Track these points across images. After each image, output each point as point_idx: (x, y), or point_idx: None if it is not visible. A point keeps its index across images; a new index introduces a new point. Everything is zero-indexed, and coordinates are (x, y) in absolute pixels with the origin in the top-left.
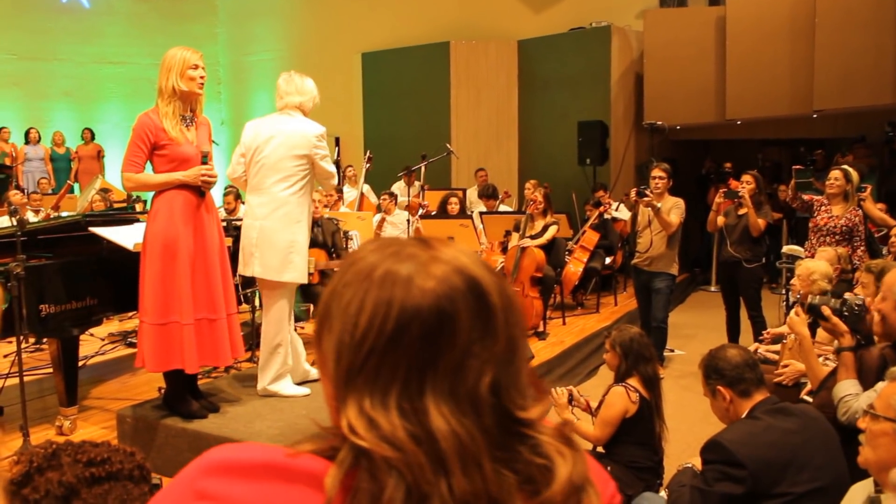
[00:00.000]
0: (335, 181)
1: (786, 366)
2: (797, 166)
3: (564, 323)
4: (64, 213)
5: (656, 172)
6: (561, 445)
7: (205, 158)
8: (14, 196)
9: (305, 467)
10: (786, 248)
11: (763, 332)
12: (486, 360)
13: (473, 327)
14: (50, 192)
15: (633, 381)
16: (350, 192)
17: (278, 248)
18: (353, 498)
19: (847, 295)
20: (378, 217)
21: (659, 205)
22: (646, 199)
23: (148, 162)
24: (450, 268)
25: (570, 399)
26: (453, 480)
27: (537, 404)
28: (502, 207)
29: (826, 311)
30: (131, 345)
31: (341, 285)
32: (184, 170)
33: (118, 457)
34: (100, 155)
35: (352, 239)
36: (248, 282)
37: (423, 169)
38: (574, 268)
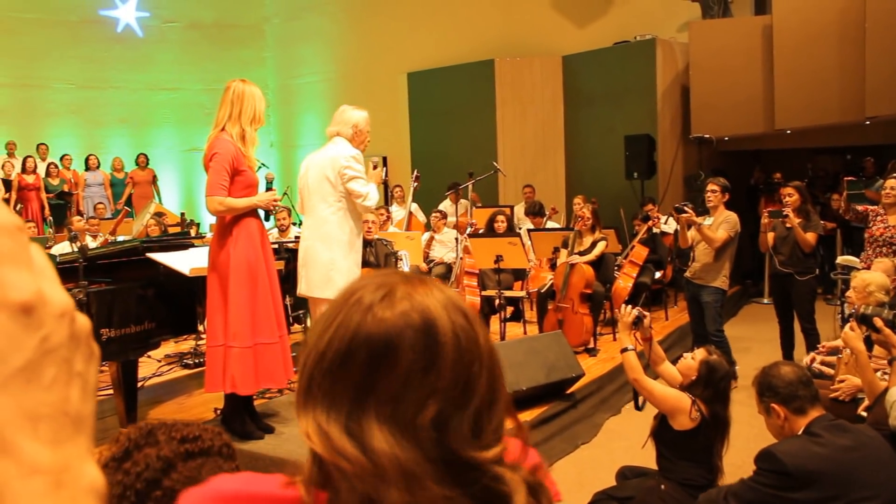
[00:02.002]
0: (368, 202)
1: (842, 381)
2: (848, 178)
3: (615, 339)
4: (120, 238)
5: (710, 186)
6: (521, 485)
7: (270, 184)
8: (77, 222)
9: (295, 497)
10: (840, 259)
11: (818, 345)
12: (428, 394)
13: (415, 360)
14: (107, 216)
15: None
16: (398, 212)
17: (319, 267)
18: None
19: None
20: (427, 236)
21: (708, 220)
22: (685, 215)
23: None
24: (412, 305)
25: (638, 322)
26: (399, 496)
27: (497, 446)
28: (550, 224)
29: (878, 322)
30: (187, 366)
31: (330, 304)
32: (251, 194)
33: (208, 434)
34: (154, 179)
35: (401, 259)
36: (300, 303)
37: (470, 187)
38: (623, 283)
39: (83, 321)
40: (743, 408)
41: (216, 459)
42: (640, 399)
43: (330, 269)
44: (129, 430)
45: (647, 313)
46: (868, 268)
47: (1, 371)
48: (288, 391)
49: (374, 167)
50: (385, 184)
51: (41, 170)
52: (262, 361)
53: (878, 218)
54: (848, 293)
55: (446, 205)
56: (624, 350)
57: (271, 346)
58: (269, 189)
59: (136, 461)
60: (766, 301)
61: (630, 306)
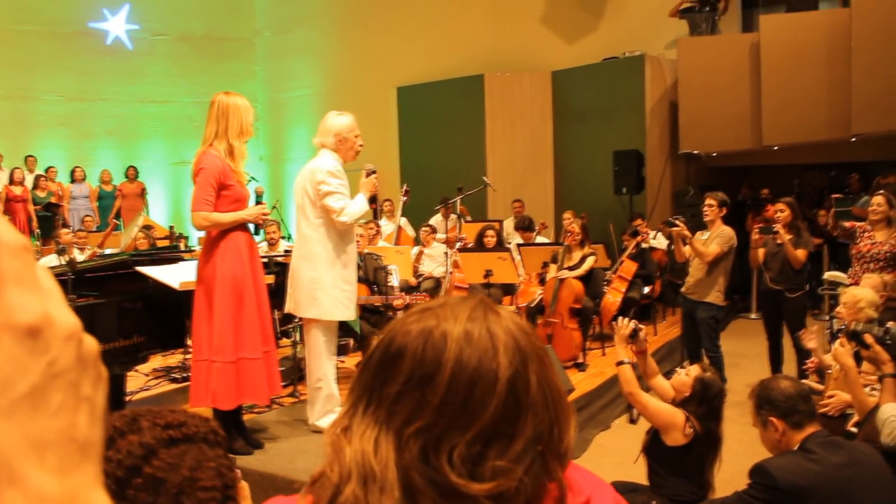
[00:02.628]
0: (343, 218)
1: (831, 396)
2: (836, 195)
3: (604, 354)
4: (108, 251)
5: (707, 201)
6: None
7: (260, 197)
8: (65, 235)
9: None
10: (828, 275)
11: (807, 360)
12: (420, 407)
13: (413, 372)
14: (94, 229)
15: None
16: (388, 226)
17: (303, 286)
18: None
19: (890, 323)
20: (416, 250)
21: (705, 235)
22: (676, 228)
23: None
24: (438, 324)
25: (634, 335)
26: (352, 491)
27: (496, 482)
28: (539, 239)
29: (869, 339)
30: (174, 380)
31: None
32: (240, 208)
33: (194, 421)
34: (143, 192)
35: (391, 273)
36: (288, 317)
37: (458, 202)
38: (613, 298)
39: (91, 343)
40: (733, 424)
41: (200, 447)
42: (635, 412)
43: (314, 289)
44: (114, 418)
45: (642, 326)
46: (856, 283)
47: (6, 397)
48: (277, 406)
49: (367, 174)
50: (374, 198)
51: (29, 182)
52: (244, 376)
53: (865, 234)
54: (838, 309)
55: (437, 219)
56: (620, 363)
57: (254, 361)
58: (258, 203)
59: (119, 448)
60: (753, 316)
61: (627, 319)
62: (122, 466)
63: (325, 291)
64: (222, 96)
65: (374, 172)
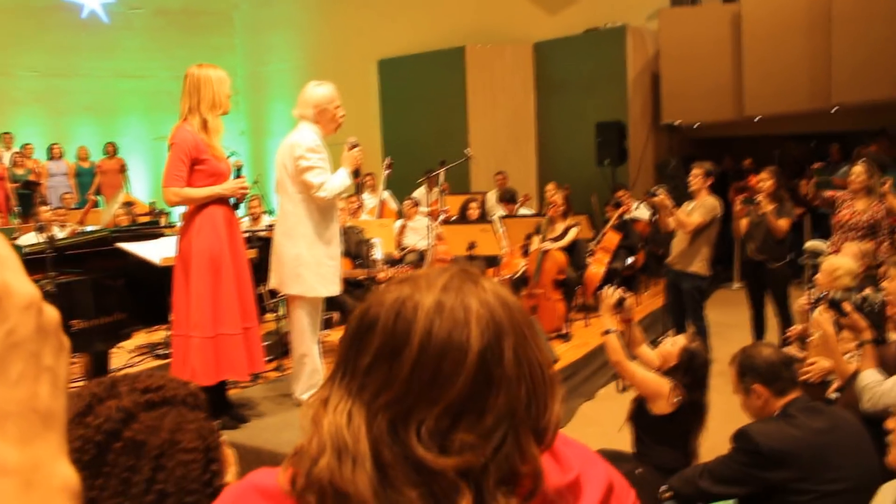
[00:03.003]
0: (322, 193)
1: (811, 363)
2: (816, 165)
3: (588, 325)
4: (89, 228)
5: (693, 170)
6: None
7: (239, 171)
8: (44, 213)
9: None
10: (808, 244)
11: (788, 329)
12: (389, 380)
13: (384, 343)
14: (74, 206)
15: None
16: (370, 200)
17: (285, 262)
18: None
19: (867, 291)
20: (399, 223)
21: (692, 205)
22: (657, 198)
23: None
24: (414, 294)
25: (620, 303)
26: (327, 462)
27: (465, 456)
28: (522, 211)
29: (847, 306)
30: (159, 356)
31: None
32: (216, 183)
33: (173, 384)
34: (123, 168)
35: (374, 246)
36: (272, 292)
37: (441, 174)
38: (596, 269)
39: (51, 313)
40: (716, 393)
41: (180, 409)
42: (624, 381)
43: (297, 266)
44: (91, 385)
45: (628, 295)
46: (836, 252)
47: None
48: (262, 380)
49: (350, 148)
50: (356, 172)
51: (6, 159)
52: (223, 352)
53: (846, 203)
54: (816, 277)
55: (421, 192)
56: (606, 332)
57: (233, 337)
58: (238, 177)
59: (98, 414)
60: (735, 286)
61: (613, 287)
62: (101, 431)
63: (309, 268)
64: (194, 69)
65: (357, 146)
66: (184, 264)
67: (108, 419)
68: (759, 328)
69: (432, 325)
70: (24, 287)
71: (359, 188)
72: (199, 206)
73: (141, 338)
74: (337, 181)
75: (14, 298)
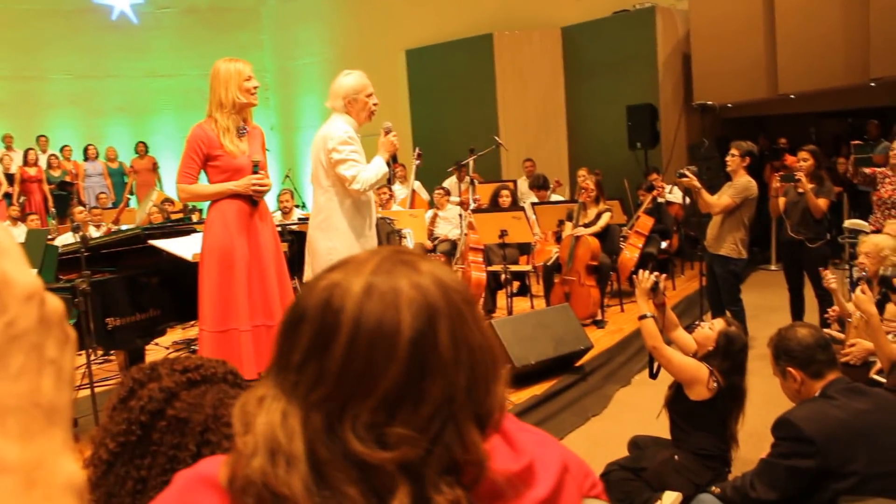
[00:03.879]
0: (356, 186)
1: (852, 345)
2: (855, 142)
3: (623, 310)
4: (123, 227)
5: (731, 151)
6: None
7: (256, 168)
8: (79, 213)
9: None
10: (848, 223)
11: (828, 309)
12: (321, 375)
13: (313, 336)
14: (110, 206)
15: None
16: (401, 191)
17: (319, 255)
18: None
19: None
20: (430, 213)
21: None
22: (685, 179)
23: (203, 172)
24: (342, 281)
25: (655, 288)
26: (261, 463)
27: (402, 449)
28: (554, 197)
29: None
30: (194, 352)
31: None
32: (231, 179)
33: (211, 363)
34: (155, 167)
35: (405, 237)
36: None
37: (471, 163)
38: (630, 254)
39: (55, 303)
40: (755, 377)
41: (220, 386)
42: (655, 366)
43: (331, 259)
44: (133, 371)
45: (662, 279)
46: (878, 231)
47: None
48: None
49: (386, 133)
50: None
51: (42, 162)
52: (231, 348)
53: (887, 180)
54: (860, 259)
55: (452, 181)
56: (642, 317)
57: (243, 333)
58: (255, 173)
59: (140, 397)
60: (773, 268)
61: (647, 272)
62: (145, 412)
63: None
64: (214, 66)
65: (391, 131)
66: (201, 260)
67: (150, 399)
68: (797, 310)
69: (361, 312)
70: (26, 277)
71: (389, 179)
72: (214, 202)
73: (177, 333)
74: (372, 170)
75: (14, 289)
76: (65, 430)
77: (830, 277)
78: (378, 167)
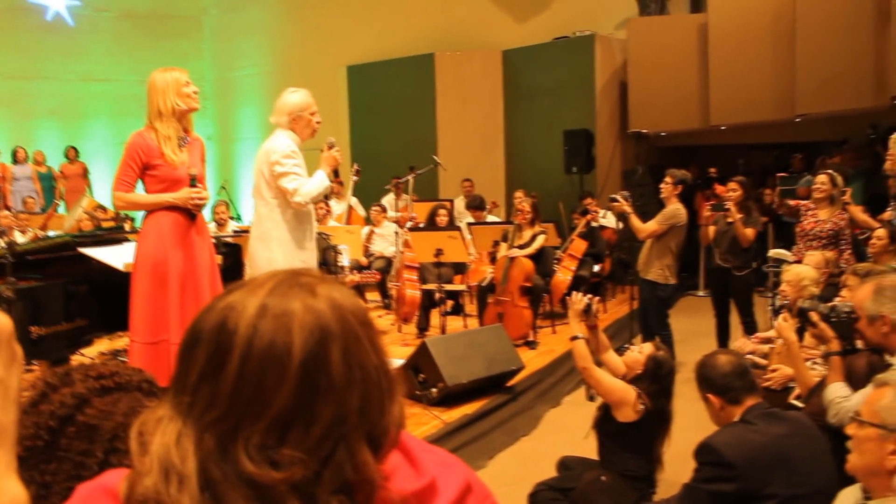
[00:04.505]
0: (297, 198)
1: (774, 370)
2: (781, 174)
3: (555, 332)
4: (51, 233)
5: (665, 178)
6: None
7: (193, 181)
8: (4, 218)
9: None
10: (772, 252)
11: (753, 336)
12: (214, 396)
13: (208, 358)
14: (38, 210)
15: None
16: (338, 206)
17: (259, 266)
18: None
19: (836, 300)
20: (367, 230)
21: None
22: (616, 203)
23: (140, 181)
24: (236, 304)
25: (588, 310)
26: (154, 484)
27: (294, 469)
28: (490, 218)
29: (814, 316)
30: (121, 363)
31: None
32: (174, 190)
33: (127, 371)
34: (86, 173)
35: (341, 253)
36: None
37: (410, 181)
38: (563, 276)
39: (2, 321)
40: (682, 400)
41: (135, 394)
42: (592, 389)
43: (269, 269)
44: (46, 374)
45: (595, 301)
46: (799, 261)
47: None
48: None
49: (329, 147)
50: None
51: None
52: (163, 359)
53: (809, 213)
54: (782, 287)
55: (390, 199)
56: (574, 338)
57: (174, 345)
58: (192, 186)
59: (52, 401)
60: (701, 294)
61: (581, 293)
62: (55, 417)
63: None
64: (150, 77)
65: (334, 146)
66: (133, 270)
67: (61, 405)
68: (723, 336)
69: (253, 334)
70: None
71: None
72: (150, 212)
73: (104, 344)
74: (314, 184)
75: None
76: (8, 451)
77: (742, 348)
78: (320, 181)
